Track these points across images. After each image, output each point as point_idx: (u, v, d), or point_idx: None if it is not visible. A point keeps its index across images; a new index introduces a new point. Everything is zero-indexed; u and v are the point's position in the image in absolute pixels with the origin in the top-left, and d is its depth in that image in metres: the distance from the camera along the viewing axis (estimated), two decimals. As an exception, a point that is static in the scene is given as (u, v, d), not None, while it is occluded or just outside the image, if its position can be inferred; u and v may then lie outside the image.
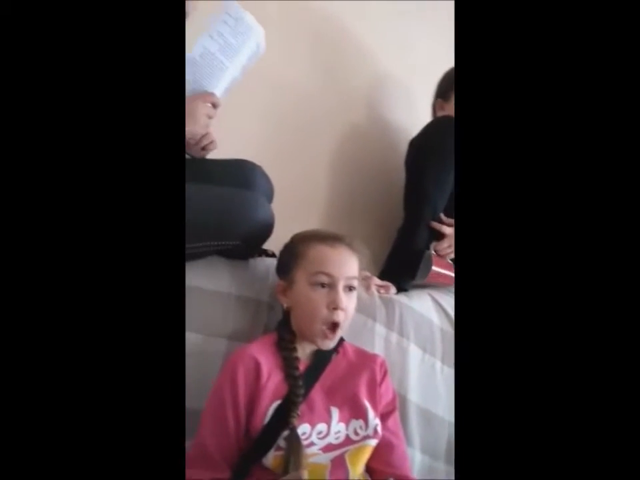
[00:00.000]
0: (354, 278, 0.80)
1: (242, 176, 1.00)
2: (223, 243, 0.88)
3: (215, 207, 0.86)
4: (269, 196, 1.04)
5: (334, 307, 0.76)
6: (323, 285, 0.77)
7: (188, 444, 0.74)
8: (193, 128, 0.93)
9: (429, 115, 1.41)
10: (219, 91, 0.95)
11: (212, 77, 0.93)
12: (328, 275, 0.77)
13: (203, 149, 1.02)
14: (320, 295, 0.77)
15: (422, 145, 1.29)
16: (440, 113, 1.37)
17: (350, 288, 0.80)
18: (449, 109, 1.34)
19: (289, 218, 1.02)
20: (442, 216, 1.22)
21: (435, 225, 1.20)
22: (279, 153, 1.28)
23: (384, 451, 0.78)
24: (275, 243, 0.93)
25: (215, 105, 0.95)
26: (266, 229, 0.92)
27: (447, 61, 1.35)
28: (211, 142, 1.00)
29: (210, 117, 0.95)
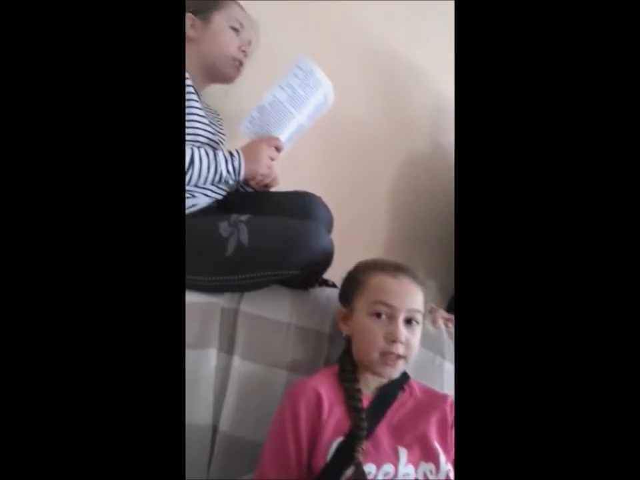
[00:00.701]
0: (417, 311, 0.76)
1: (302, 206, 1.02)
2: (284, 272, 0.88)
3: (276, 236, 0.86)
4: (329, 226, 1.05)
5: (392, 339, 0.73)
6: (381, 315, 0.75)
7: (249, 477, 0.74)
8: (255, 167, 1.00)
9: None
10: (284, 136, 1.03)
11: (279, 123, 1.02)
12: (387, 305, 0.75)
13: (265, 186, 1.08)
14: (378, 326, 0.75)
15: None
16: None
17: (412, 321, 0.76)
18: None
19: (350, 248, 1.01)
20: None
21: None
22: (340, 182, 1.29)
23: None
24: (336, 274, 0.93)
25: (278, 149, 1.03)
26: (326, 258, 0.91)
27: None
28: (273, 179, 1.07)
29: (272, 159, 1.03)
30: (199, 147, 0.97)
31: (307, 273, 0.90)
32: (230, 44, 1.09)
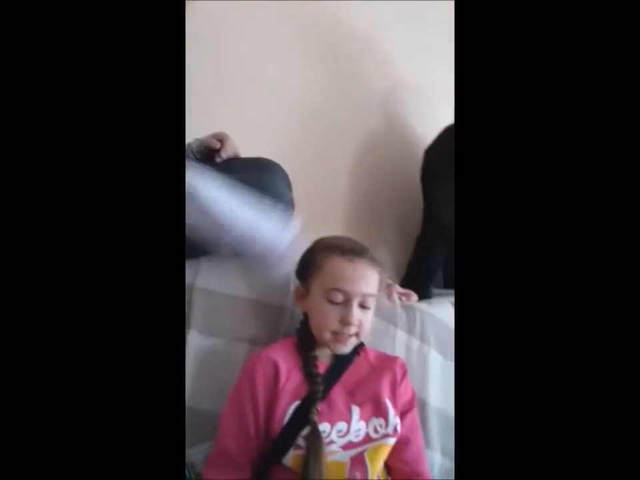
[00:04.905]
0: (371, 295, 0.79)
1: (264, 163, 1.03)
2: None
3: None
4: (289, 187, 1.07)
5: (346, 322, 0.76)
6: (336, 301, 0.77)
7: (208, 445, 0.77)
8: None
9: (448, 121, 1.41)
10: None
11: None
12: (343, 291, 0.77)
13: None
14: (333, 311, 0.77)
15: (433, 155, 1.30)
16: None
17: (366, 304, 0.79)
18: None
19: (309, 226, 1.04)
20: None
21: None
22: (298, 162, 1.30)
23: (400, 448, 0.78)
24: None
25: None
26: (289, 208, 0.95)
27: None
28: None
29: None
30: None
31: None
32: None
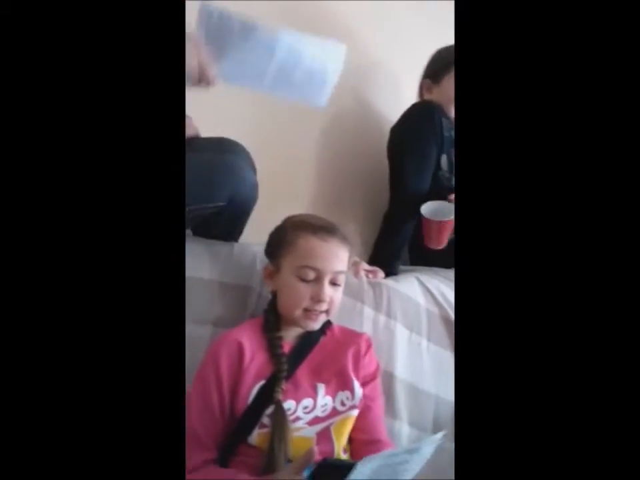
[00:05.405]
0: (342, 272, 0.80)
1: (226, 144, 0.99)
2: (209, 205, 0.88)
3: (200, 170, 0.85)
4: (253, 168, 1.04)
5: (317, 299, 0.77)
6: (308, 279, 0.78)
7: None
8: None
9: (413, 99, 1.41)
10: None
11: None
12: (315, 269, 0.78)
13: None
14: (304, 287, 0.78)
15: (399, 133, 1.30)
16: (427, 95, 1.35)
17: (337, 281, 0.80)
18: (438, 92, 1.32)
19: (276, 204, 1.03)
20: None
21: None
22: (264, 139, 1.28)
23: (360, 416, 0.79)
24: (262, 231, 0.94)
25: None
26: (251, 192, 0.93)
27: (436, 47, 1.37)
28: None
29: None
30: None
31: (233, 207, 0.90)
32: None
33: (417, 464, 0.64)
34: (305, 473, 0.62)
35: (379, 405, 0.84)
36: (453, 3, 0.60)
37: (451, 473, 0.52)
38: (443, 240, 1.16)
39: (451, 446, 0.55)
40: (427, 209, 1.14)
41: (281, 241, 0.82)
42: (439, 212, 1.14)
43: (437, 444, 0.64)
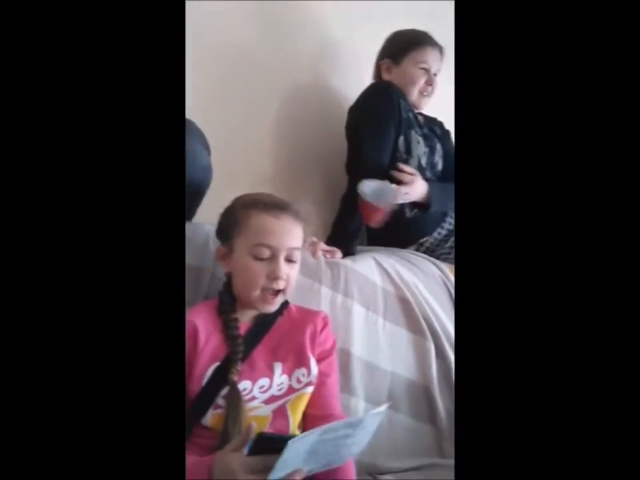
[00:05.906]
0: (296, 249, 0.80)
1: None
2: None
3: None
4: (207, 149, 1.02)
5: (274, 277, 0.76)
6: (263, 257, 0.77)
7: None
8: None
9: (370, 80, 1.41)
10: None
11: None
12: (269, 247, 0.77)
13: None
14: (260, 266, 0.77)
15: (357, 113, 1.31)
16: (386, 76, 1.35)
17: (292, 258, 0.79)
18: (398, 73, 1.32)
19: (233, 183, 1.01)
20: (401, 165, 1.22)
21: (396, 173, 1.21)
22: (221, 114, 1.25)
23: (314, 392, 0.80)
24: (216, 209, 0.93)
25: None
26: (204, 173, 0.92)
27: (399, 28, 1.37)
28: None
29: None
30: None
31: (187, 190, 0.89)
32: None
33: (362, 437, 0.64)
34: (245, 449, 0.62)
35: (334, 381, 0.85)
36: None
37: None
38: (377, 220, 1.17)
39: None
40: (364, 188, 1.13)
41: (232, 221, 0.80)
42: (377, 193, 1.13)
43: (380, 417, 0.65)
